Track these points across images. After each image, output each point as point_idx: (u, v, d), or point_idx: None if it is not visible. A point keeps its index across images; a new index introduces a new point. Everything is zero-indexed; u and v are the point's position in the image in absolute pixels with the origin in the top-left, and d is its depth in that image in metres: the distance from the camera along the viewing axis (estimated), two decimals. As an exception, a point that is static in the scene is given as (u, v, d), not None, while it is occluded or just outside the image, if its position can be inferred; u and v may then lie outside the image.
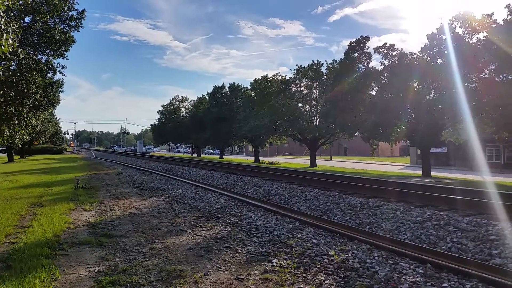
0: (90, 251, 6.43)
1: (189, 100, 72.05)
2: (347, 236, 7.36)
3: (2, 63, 17.04)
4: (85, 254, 6.28)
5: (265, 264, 5.80)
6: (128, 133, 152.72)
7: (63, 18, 21.15)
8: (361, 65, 28.99)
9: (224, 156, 64.98)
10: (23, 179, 20.14)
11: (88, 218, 9.36)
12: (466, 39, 23.28)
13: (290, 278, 5.20)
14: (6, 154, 43.89)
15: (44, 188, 15.67)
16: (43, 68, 20.44)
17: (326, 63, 38.62)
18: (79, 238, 7.26)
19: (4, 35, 6.25)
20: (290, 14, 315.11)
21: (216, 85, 60.27)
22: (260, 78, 45.70)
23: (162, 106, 72.25)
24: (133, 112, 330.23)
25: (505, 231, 6.77)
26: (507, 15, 21.58)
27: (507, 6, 21.68)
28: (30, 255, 5.97)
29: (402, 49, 26.40)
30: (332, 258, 6.07)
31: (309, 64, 39.37)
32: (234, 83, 58.86)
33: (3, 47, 6.30)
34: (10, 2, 6.94)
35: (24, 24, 19.22)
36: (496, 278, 4.96)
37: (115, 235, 7.55)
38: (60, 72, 21.81)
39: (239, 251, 6.54)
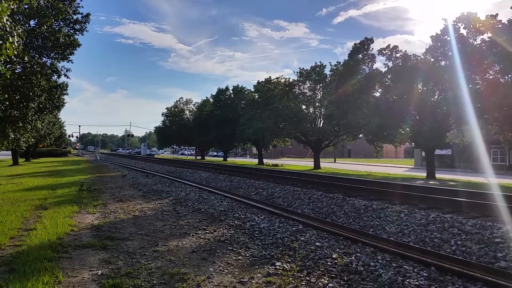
0: (93, 254, 6.44)
1: (193, 103, 72.09)
2: (350, 239, 7.34)
3: (8, 66, 17.15)
4: (89, 257, 6.29)
5: (268, 267, 5.78)
6: (132, 135, 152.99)
7: (68, 21, 21.31)
8: (365, 67, 28.93)
9: (228, 158, 65.02)
10: (27, 181, 20.23)
11: (92, 221, 9.38)
12: (470, 40, 23.21)
13: (293, 281, 5.18)
14: (11, 157, 44.15)
15: (48, 191, 15.73)
16: (48, 71, 20.57)
17: (330, 64, 38.59)
18: (83, 241, 7.27)
19: (10, 38, 6.29)
20: (294, 16, 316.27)
21: (220, 88, 60.37)
22: (264, 80, 45.75)
23: (166, 108, 72.29)
24: (137, 114, 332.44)
25: (510, 234, 6.71)
26: None
27: None
28: (33, 258, 5.98)
29: (405, 51, 26.37)
30: (336, 261, 6.04)
31: (312, 66, 39.37)
32: (238, 85, 58.91)
33: (8, 51, 6.34)
34: (15, 6, 6.99)
35: (29, 28, 19.35)
36: (501, 281, 4.92)
37: (118, 238, 7.56)
38: (65, 75, 21.98)
39: (242, 254, 6.53)
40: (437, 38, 24.62)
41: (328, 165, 45.20)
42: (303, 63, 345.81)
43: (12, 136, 20.69)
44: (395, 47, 26.48)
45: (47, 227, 8.35)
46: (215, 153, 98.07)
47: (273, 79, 44.80)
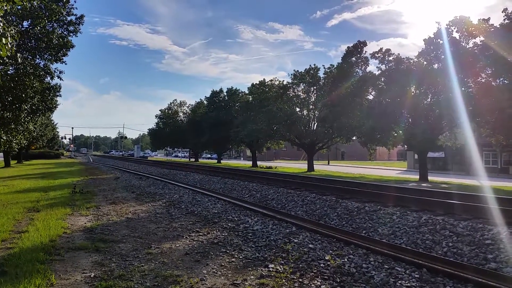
0: (86, 256, 6.41)
1: (187, 105, 71.97)
2: (343, 240, 7.37)
3: (0, 67, 17.05)
4: (81, 259, 6.26)
5: (261, 269, 5.80)
6: (125, 137, 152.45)
7: (62, 22, 21.22)
8: (358, 70, 29.09)
9: (222, 161, 64.91)
10: (19, 184, 20.07)
11: (85, 223, 9.33)
12: (463, 44, 23.42)
13: (286, 283, 5.20)
14: (3, 159, 43.78)
15: (40, 193, 15.61)
16: (41, 73, 20.46)
17: (324, 67, 38.73)
18: (75, 243, 7.23)
19: (3, 39, 6.26)
20: (289, 19, 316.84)
21: (214, 90, 60.32)
22: (258, 82, 45.81)
23: (160, 110, 72.09)
24: (131, 116, 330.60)
25: (501, 236, 6.79)
26: (504, 19, 21.66)
27: (504, 10, 21.77)
28: (25, 261, 5.95)
29: (398, 54, 26.59)
30: (329, 263, 6.07)
31: (306, 68, 39.49)
32: (232, 87, 58.96)
33: (1, 52, 6.31)
34: (9, 7, 6.96)
35: (23, 29, 19.24)
36: (491, 282, 4.98)
37: (111, 240, 7.53)
38: (58, 77, 21.89)
39: (236, 256, 6.54)
40: (430, 42, 24.82)
41: (321, 167, 45.31)
42: (297, 65, 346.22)
43: (4, 138, 20.55)
44: (388, 50, 26.67)
45: (40, 229, 8.30)
46: (209, 156, 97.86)
47: (267, 82, 44.86)
